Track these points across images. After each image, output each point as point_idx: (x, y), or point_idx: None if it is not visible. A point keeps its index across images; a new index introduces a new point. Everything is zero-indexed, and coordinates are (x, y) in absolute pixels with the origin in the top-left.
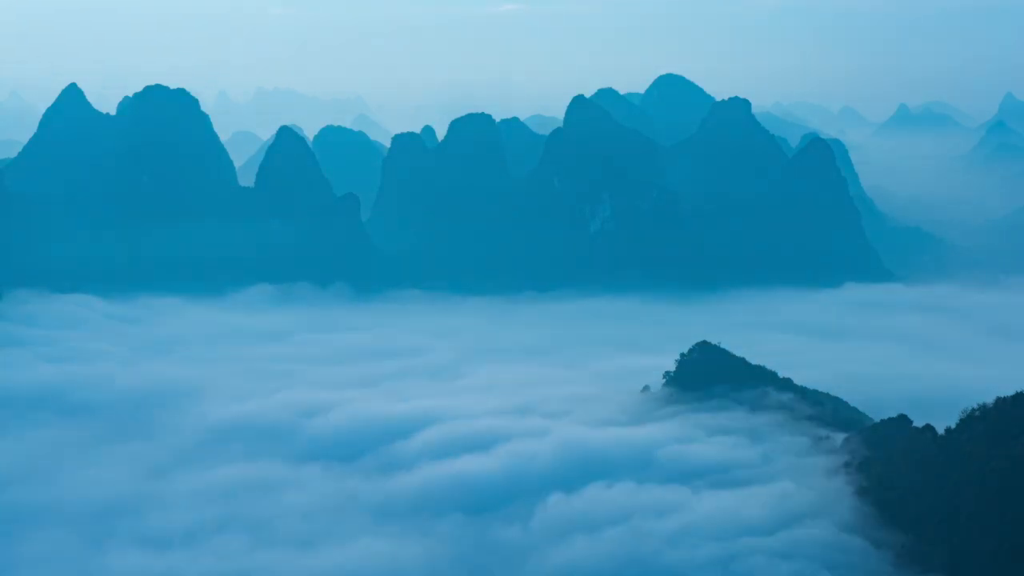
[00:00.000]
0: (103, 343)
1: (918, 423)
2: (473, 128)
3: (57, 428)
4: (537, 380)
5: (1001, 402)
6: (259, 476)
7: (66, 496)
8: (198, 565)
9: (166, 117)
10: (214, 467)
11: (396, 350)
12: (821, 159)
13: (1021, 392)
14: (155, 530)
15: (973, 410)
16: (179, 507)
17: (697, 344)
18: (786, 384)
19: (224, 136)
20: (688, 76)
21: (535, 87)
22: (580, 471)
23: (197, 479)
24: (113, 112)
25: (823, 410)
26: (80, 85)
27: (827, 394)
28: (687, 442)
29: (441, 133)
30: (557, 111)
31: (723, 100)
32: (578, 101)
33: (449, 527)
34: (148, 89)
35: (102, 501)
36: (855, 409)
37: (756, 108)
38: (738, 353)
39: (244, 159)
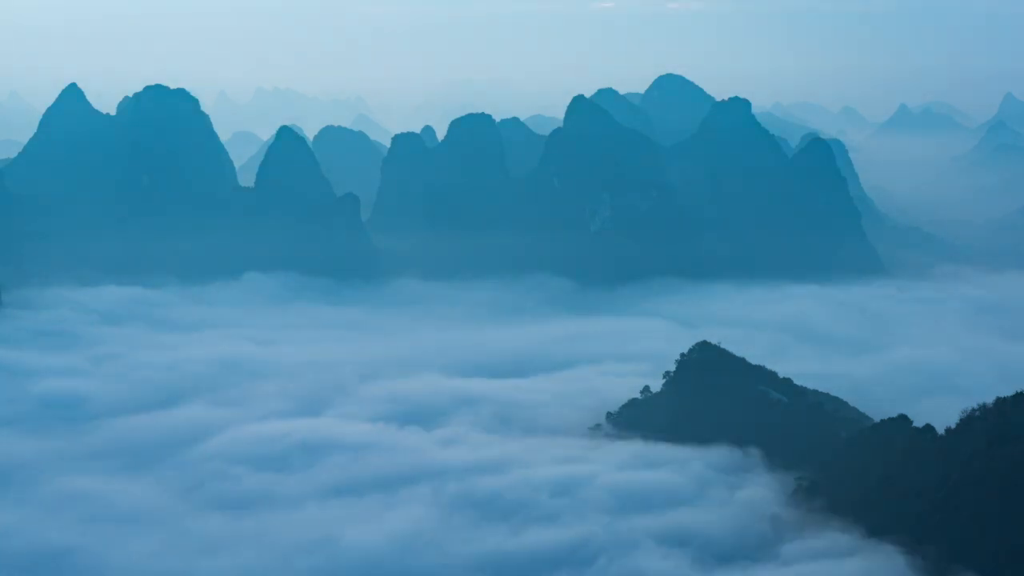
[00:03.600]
0: (104, 338)
1: (918, 423)
2: (473, 128)
3: None
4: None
5: (1001, 402)
6: None
7: None
8: None
9: (166, 117)
10: None
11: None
12: (821, 159)
13: (1021, 392)
14: None
15: (973, 410)
16: None
17: (697, 344)
18: (786, 384)
19: (224, 136)
20: (688, 76)
21: (535, 87)
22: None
23: None
24: (113, 112)
25: (822, 411)
26: (80, 85)
27: (827, 394)
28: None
29: (441, 133)
30: (557, 111)
31: (723, 100)
32: (578, 101)
33: None
34: (148, 89)
35: None
36: (855, 409)
37: (756, 108)
38: (738, 353)
39: (244, 159)
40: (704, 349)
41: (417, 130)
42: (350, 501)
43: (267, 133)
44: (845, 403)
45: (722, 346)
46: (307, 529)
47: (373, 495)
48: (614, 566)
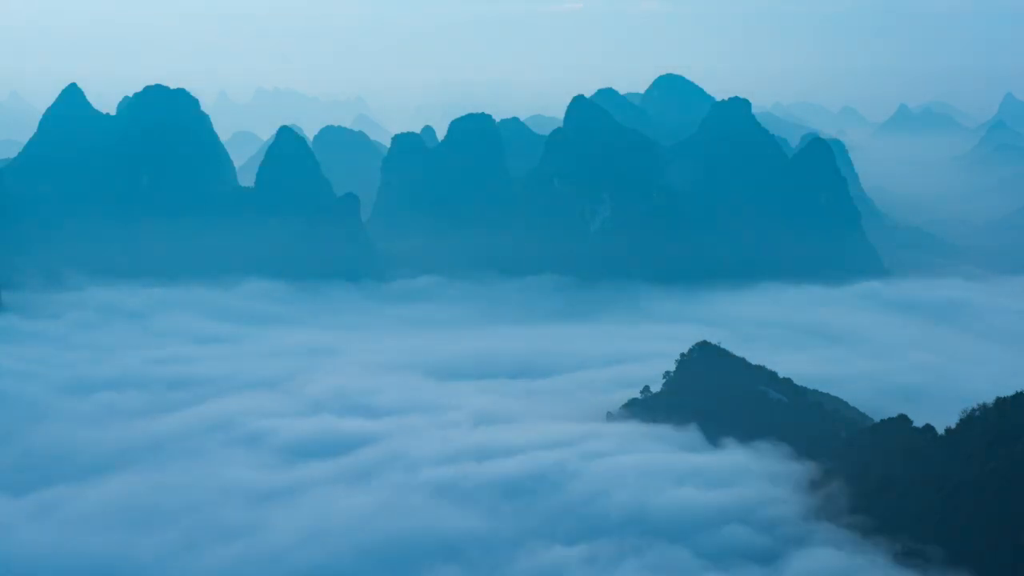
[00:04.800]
0: (107, 338)
1: (918, 423)
2: (473, 128)
3: None
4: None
5: (1001, 402)
6: None
7: None
8: None
9: (166, 117)
10: None
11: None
12: (821, 159)
13: (1021, 392)
14: None
15: (973, 410)
16: None
17: (697, 344)
18: (786, 384)
19: (224, 136)
20: (688, 76)
21: (535, 87)
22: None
23: None
24: (113, 112)
25: (822, 410)
26: (80, 85)
27: (827, 394)
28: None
29: (441, 133)
30: (557, 111)
31: (723, 100)
32: (578, 101)
33: None
34: (148, 89)
35: None
36: (855, 409)
37: (756, 108)
38: (738, 353)
39: (244, 159)
40: (704, 349)
41: (417, 130)
42: (349, 493)
43: (267, 133)
44: (845, 403)
45: (722, 346)
46: (307, 520)
47: (371, 484)
48: (601, 558)
